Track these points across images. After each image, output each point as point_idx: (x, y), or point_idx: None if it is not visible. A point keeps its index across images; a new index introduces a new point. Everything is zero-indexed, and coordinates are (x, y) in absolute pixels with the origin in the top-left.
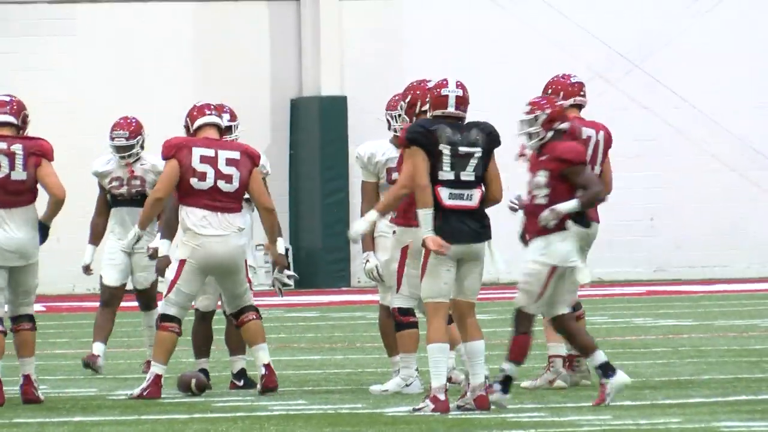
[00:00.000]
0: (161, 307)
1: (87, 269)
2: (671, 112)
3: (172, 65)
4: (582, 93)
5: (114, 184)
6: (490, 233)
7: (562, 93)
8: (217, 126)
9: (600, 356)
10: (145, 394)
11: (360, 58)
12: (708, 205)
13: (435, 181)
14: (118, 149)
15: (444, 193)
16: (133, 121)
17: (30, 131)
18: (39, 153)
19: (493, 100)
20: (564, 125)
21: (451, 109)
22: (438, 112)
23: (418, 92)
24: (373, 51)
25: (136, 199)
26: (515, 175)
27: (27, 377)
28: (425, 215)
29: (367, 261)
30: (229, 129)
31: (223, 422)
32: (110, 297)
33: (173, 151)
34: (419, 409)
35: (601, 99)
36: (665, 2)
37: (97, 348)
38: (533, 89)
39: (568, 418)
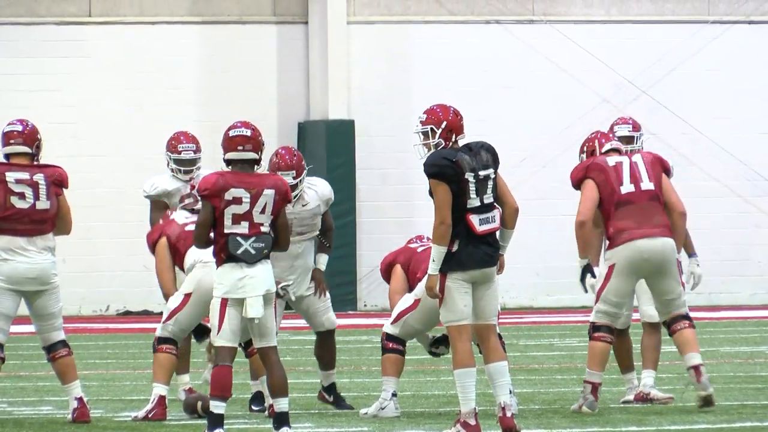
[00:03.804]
0: (158, 330)
1: None
2: (677, 138)
3: (180, 87)
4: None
5: (189, 201)
6: (499, 254)
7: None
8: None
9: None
10: (150, 415)
11: (368, 82)
12: (713, 232)
13: (465, 210)
14: (186, 162)
15: (475, 220)
16: (192, 135)
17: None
18: (58, 182)
19: (500, 125)
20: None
21: (464, 132)
22: (462, 136)
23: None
24: (380, 75)
25: None
26: (521, 197)
27: (80, 399)
28: (440, 253)
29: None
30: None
31: None
32: None
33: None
34: None
35: (607, 125)
36: (672, 29)
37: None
38: (541, 114)
39: None
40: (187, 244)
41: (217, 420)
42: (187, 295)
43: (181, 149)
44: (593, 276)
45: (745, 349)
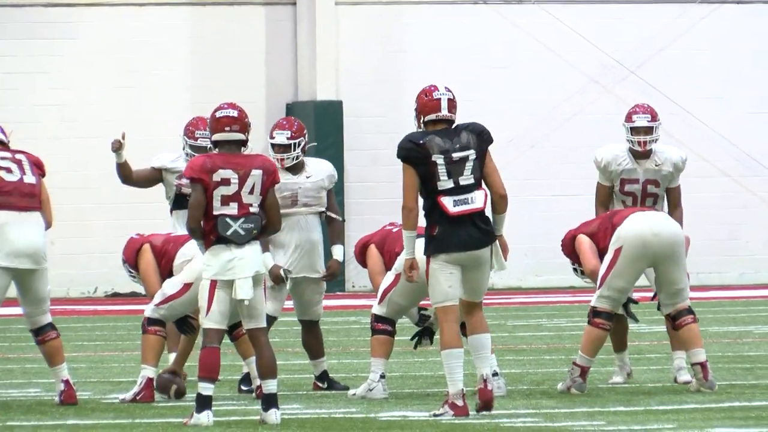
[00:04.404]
0: (148, 311)
1: None
2: (666, 118)
3: (169, 68)
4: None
5: (185, 180)
6: (493, 236)
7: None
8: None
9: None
10: (138, 398)
11: (356, 63)
12: (702, 212)
13: (436, 192)
14: (202, 150)
15: (448, 202)
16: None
17: (27, 135)
18: (38, 165)
19: (489, 106)
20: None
21: (444, 111)
22: (432, 116)
23: None
24: (369, 56)
25: None
26: (509, 177)
27: (67, 382)
28: (409, 237)
29: None
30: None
31: (217, 426)
32: None
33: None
34: (439, 415)
35: (596, 105)
36: (660, 9)
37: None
38: (529, 95)
39: (561, 423)
40: (176, 246)
41: (205, 401)
42: (187, 285)
43: (198, 136)
44: (635, 302)
45: (733, 329)
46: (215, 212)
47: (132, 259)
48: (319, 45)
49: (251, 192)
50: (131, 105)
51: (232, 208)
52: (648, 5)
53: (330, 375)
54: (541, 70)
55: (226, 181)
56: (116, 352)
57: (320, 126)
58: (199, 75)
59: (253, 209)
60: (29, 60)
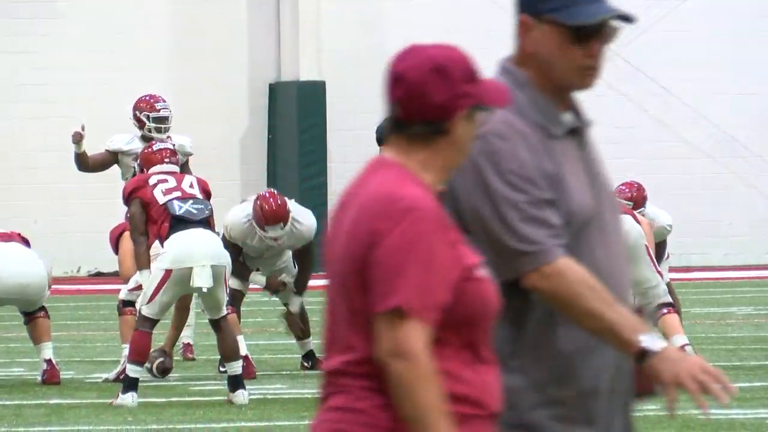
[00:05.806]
0: (123, 294)
1: None
2: (649, 99)
3: (150, 48)
4: None
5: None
6: None
7: None
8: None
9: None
10: (121, 377)
11: (339, 43)
12: (685, 193)
13: None
14: (165, 120)
15: None
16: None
17: (7, 115)
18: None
19: None
20: None
21: None
22: None
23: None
24: (352, 36)
25: None
26: None
27: (49, 361)
28: None
29: None
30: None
31: (201, 406)
32: None
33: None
34: None
35: None
36: None
37: None
38: None
39: None
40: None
41: (131, 383)
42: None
43: (159, 107)
44: None
45: (716, 310)
46: (161, 202)
47: (114, 242)
48: (302, 25)
49: (191, 187)
50: (113, 84)
51: (177, 194)
52: None
53: (316, 355)
54: None
55: (163, 180)
56: (99, 331)
57: (303, 106)
58: (181, 55)
59: (199, 197)
60: (11, 39)
